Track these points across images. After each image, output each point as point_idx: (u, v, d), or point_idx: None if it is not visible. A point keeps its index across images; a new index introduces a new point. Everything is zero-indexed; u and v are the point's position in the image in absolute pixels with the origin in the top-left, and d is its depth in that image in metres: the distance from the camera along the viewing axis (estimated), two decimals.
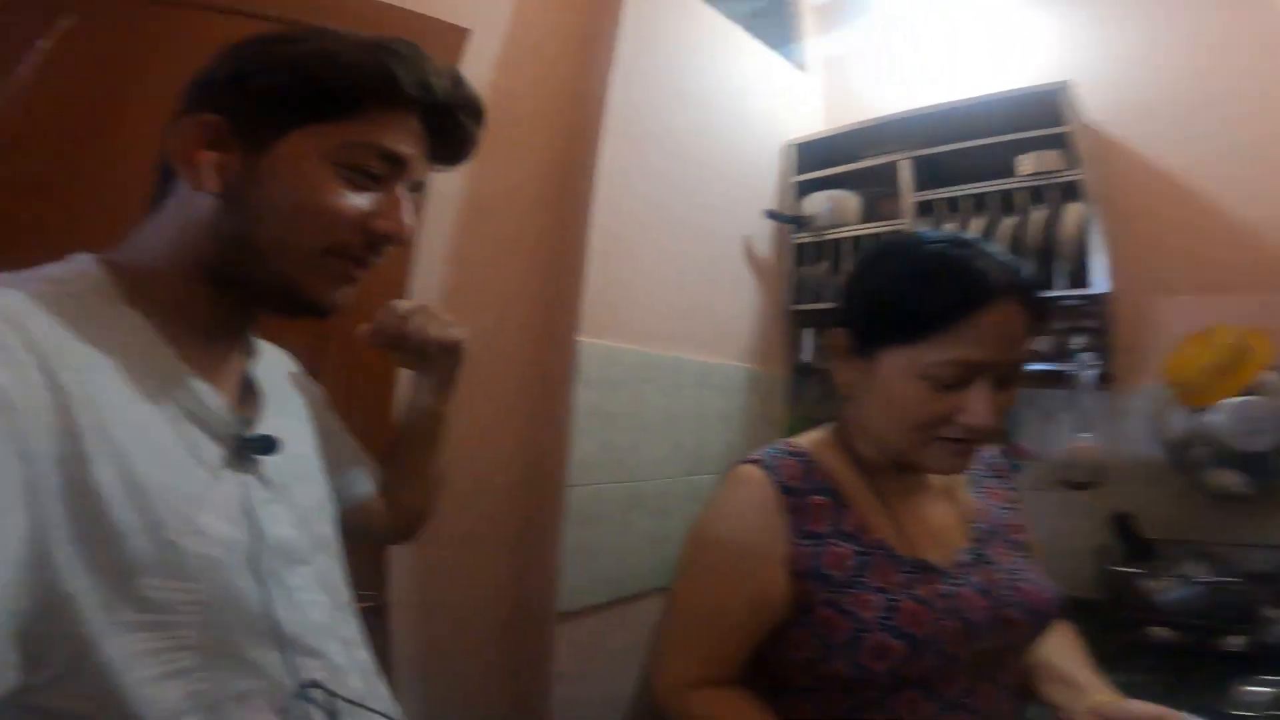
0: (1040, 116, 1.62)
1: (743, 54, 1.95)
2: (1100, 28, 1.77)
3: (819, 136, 2.05)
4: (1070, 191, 1.54)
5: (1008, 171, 1.66)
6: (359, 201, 0.52)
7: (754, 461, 0.76)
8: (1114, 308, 1.55)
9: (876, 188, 1.92)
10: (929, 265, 0.68)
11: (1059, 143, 1.59)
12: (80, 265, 0.49)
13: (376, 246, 0.54)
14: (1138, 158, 1.67)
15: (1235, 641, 1.17)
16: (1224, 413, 1.22)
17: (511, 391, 1.48)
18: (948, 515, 0.79)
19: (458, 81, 0.56)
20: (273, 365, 0.64)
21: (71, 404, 0.40)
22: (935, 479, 0.81)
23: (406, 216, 0.54)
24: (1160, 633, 1.23)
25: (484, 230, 1.45)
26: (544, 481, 1.45)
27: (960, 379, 0.66)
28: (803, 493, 0.72)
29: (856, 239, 1.89)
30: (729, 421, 1.82)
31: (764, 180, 2.02)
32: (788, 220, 1.96)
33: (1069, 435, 1.52)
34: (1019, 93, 1.67)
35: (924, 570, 0.70)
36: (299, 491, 0.56)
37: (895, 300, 0.69)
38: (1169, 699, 0.91)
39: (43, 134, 0.97)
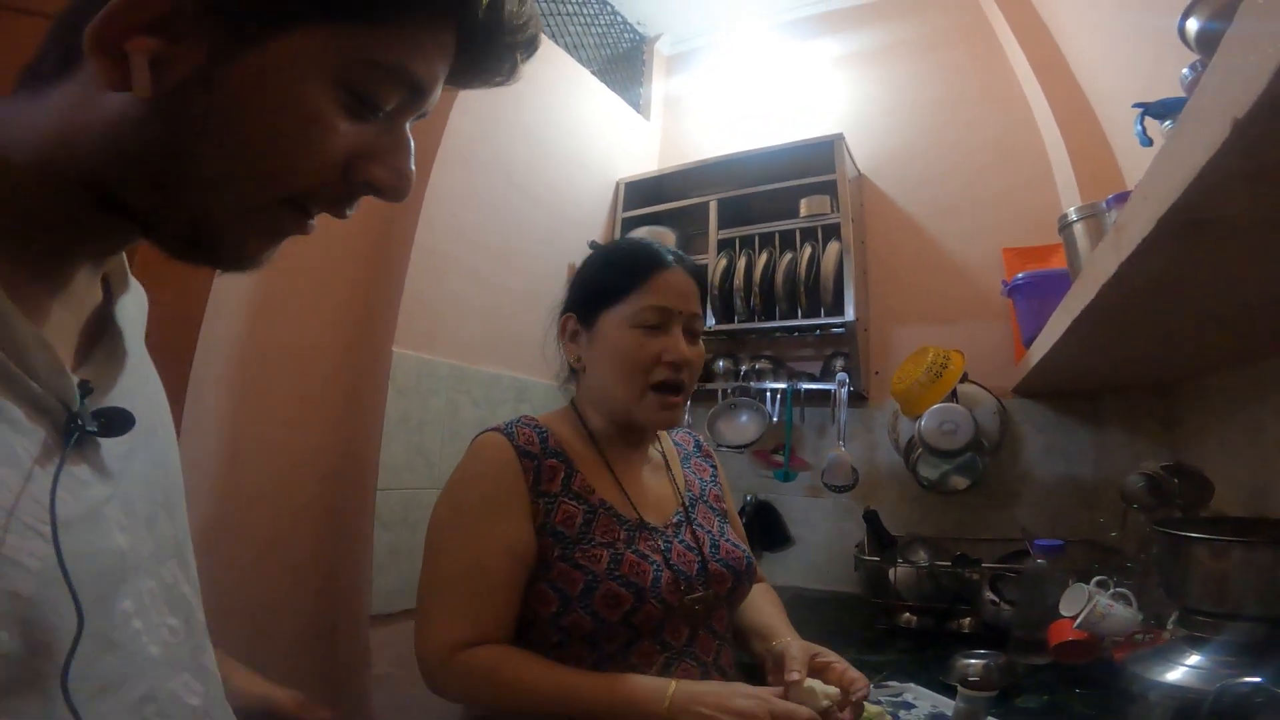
0: (818, 164, 1.89)
1: (588, 97, 2.12)
2: (873, 86, 2.12)
3: (645, 176, 2.26)
4: (832, 231, 1.81)
5: (794, 213, 1.92)
6: (351, 137, 0.38)
7: (494, 430, 0.84)
8: (863, 334, 1.84)
9: (689, 225, 2.14)
10: (623, 248, 0.95)
11: (830, 188, 1.87)
12: None
13: (351, 200, 0.41)
14: (888, 203, 2.00)
15: (963, 622, 1.38)
16: (927, 417, 1.49)
17: (323, 395, 1.49)
18: (664, 485, 0.94)
19: (526, 7, 0.43)
20: (135, 307, 0.46)
21: None
22: (654, 455, 0.95)
23: (409, 168, 0.41)
24: (906, 617, 1.43)
25: (303, 237, 1.44)
26: (353, 485, 1.46)
27: (660, 322, 0.86)
28: (537, 456, 0.84)
29: None
30: None
31: (594, 214, 2.18)
32: None
33: (832, 446, 1.77)
34: (804, 143, 1.96)
35: (642, 529, 0.83)
36: (146, 482, 0.41)
37: (604, 274, 0.90)
38: (915, 675, 1.09)
39: None
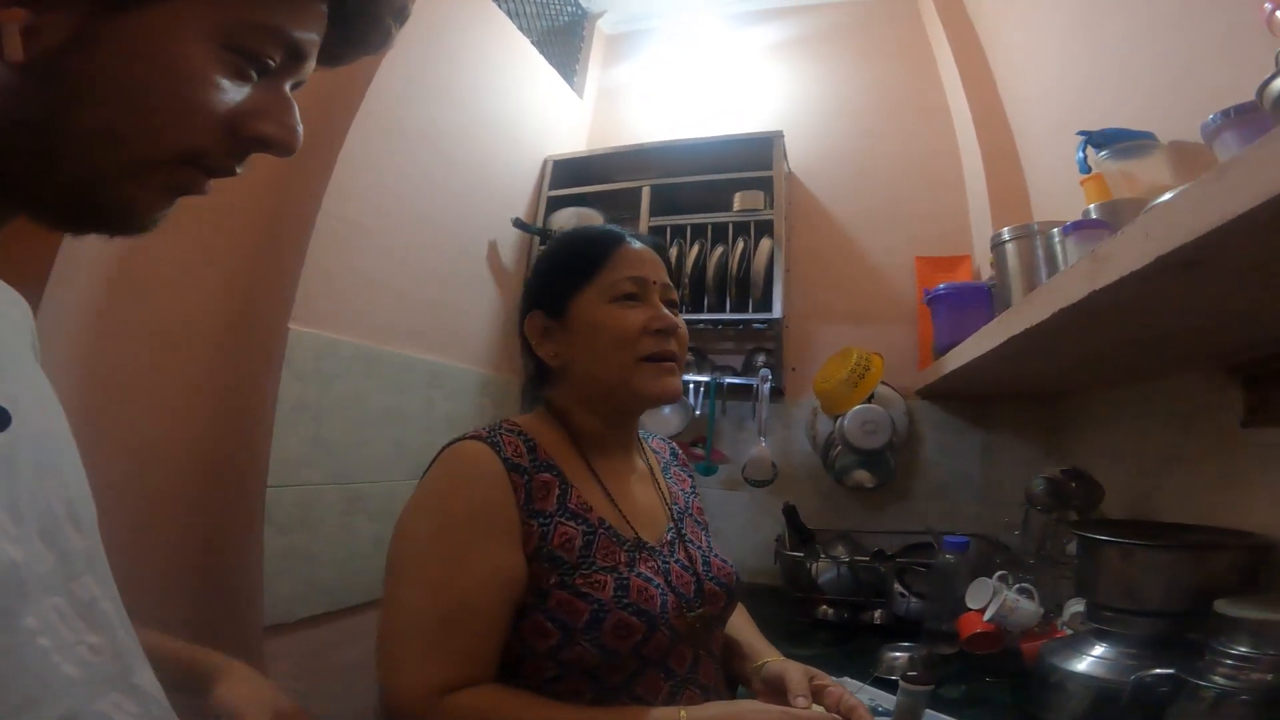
0: (755, 160, 1.90)
1: (524, 66, 1.97)
2: (811, 85, 2.16)
3: (575, 156, 2.15)
4: (765, 227, 1.83)
5: (728, 206, 1.91)
6: (237, 94, 0.39)
7: (473, 437, 0.74)
8: (785, 331, 1.88)
9: (618, 210, 2.07)
10: (578, 234, 0.89)
11: (765, 185, 1.88)
12: None
13: (243, 156, 0.41)
14: (814, 202, 2.06)
15: (875, 615, 1.44)
16: (850, 417, 1.55)
17: (200, 379, 1.27)
18: (653, 497, 0.86)
19: None
20: (12, 308, 0.46)
21: None
22: (639, 464, 0.89)
23: (295, 122, 0.42)
24: (823, 610, 1.47)
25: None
26: (237, 483, 1.27)
27: (637, 291, 0.80)
28: (528, 470, 0.73)
29: None
30: (459, 425, 1.76)
31: (519, 191, 2.05)
32: (533, 231, 2.00)
33: (753, 441, 1.80)
34: (742, 137, 1.95)
35: (640, 548, 0.76)
36: (38, 488, 0.38)
37: (565, 260, 0.83)
38: (839, 669, 1.12)
39: None
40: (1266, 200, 0.44)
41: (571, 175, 2.12)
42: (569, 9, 2.33)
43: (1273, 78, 0.51)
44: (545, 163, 2.12)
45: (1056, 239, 1.05)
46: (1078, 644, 0.95)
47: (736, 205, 1.87)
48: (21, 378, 0.41)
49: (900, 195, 1.98)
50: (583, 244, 0.84)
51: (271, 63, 0.40)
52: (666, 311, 0.80)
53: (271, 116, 0.41)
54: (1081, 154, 1.11)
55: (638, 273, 0.80)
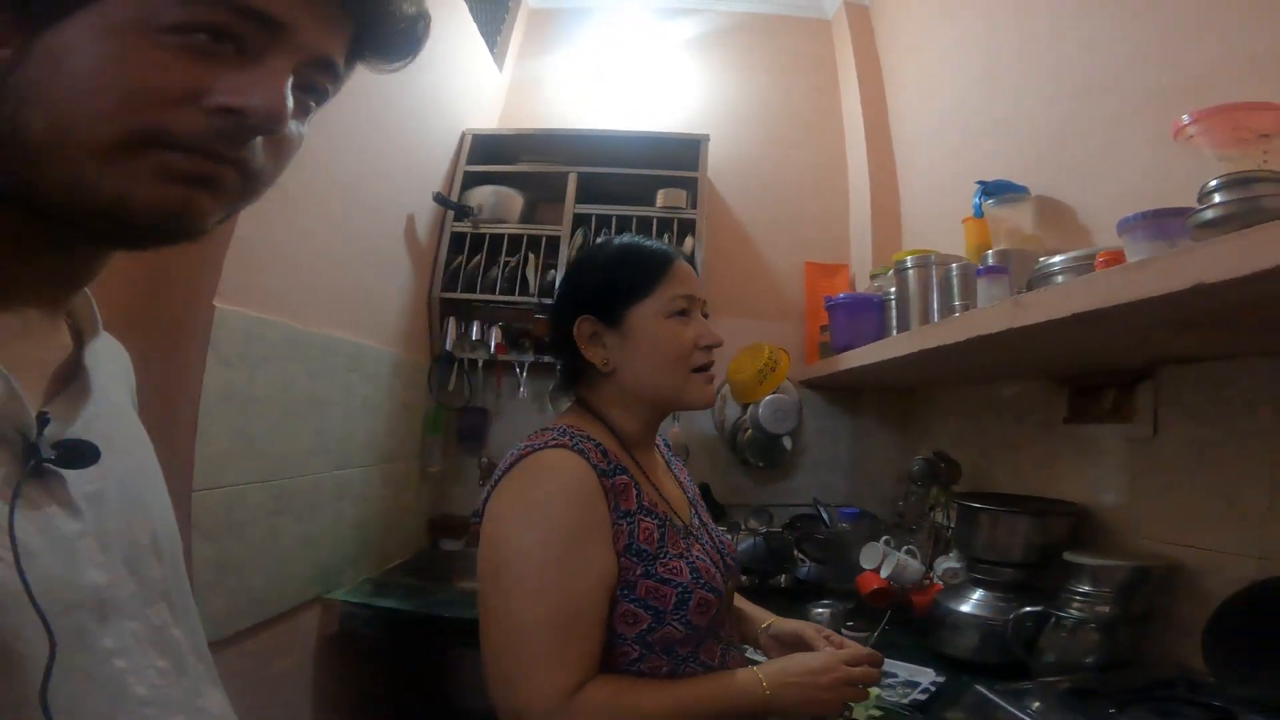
0: (681, 159, 2.00)
1: (454, 30, 1.84)
2: (728, 89, 2.29)
3: (496, 132, 2.08)
4: (688, 226, 1.96)
5: (649, 201, 2.00)
6: (192, 72, 0.36)
7: (559, 445, 0.77)
8: None
9: (537, 193, 2.06)
10: (631, 245, 0.92)
11: (687, 184, 1.99)
12: None
13: (228, 136, 0.37)
14: (725, 206, 2.22)
15: (783, 579, 1.65)
16: (763, 406, 1.76)
17: None
18: (676, 488, 0.95)
19: None
20: (112, 360, 0.47)
21: None
22: (659, 457, 0.98)
23: (275, 88, 0.37)
24: (742, 579, 1.64)
25: None
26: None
27: (687, 308, 0.88)
28: (609, 474, 0.78)
29: (515, 237, 1.98)
30: (374, 410, 1.68)
31: (436, 163, 1.95)
32: (454, 207, 1.92)
33: (667, 424, 1.94)
34: (671, 136, 2.03)
35: (689, 533, 0.85)
36: (126, 521, 0.41)
37: (623, 273, 0.87)
38: None
39: None
40: (1168, 293, 0.66)
41: (490, 151, 2.06)
42: None
43: (1204, 208, 0.67)
44: (464, 135, 2.03)
45: (955, 273, 1.31)
46: (962, 592, 1.23)
47: (660, 202, 1.97)
48: (116, 420, 0.45)
49: (795, 203, 2.22)
50: (643, 259, 0.88)
51: (234, 31, 0.37)
52: (708, 328, 0.89)
53: (239, 86, 0.37)
54: (977, 200, 1.38)
55: (689, 290, 0.87)
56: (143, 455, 0.48)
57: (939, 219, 1.75)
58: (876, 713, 0.98)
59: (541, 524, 0.73)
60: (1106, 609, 0.98)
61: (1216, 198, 0.71)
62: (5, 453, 0.34)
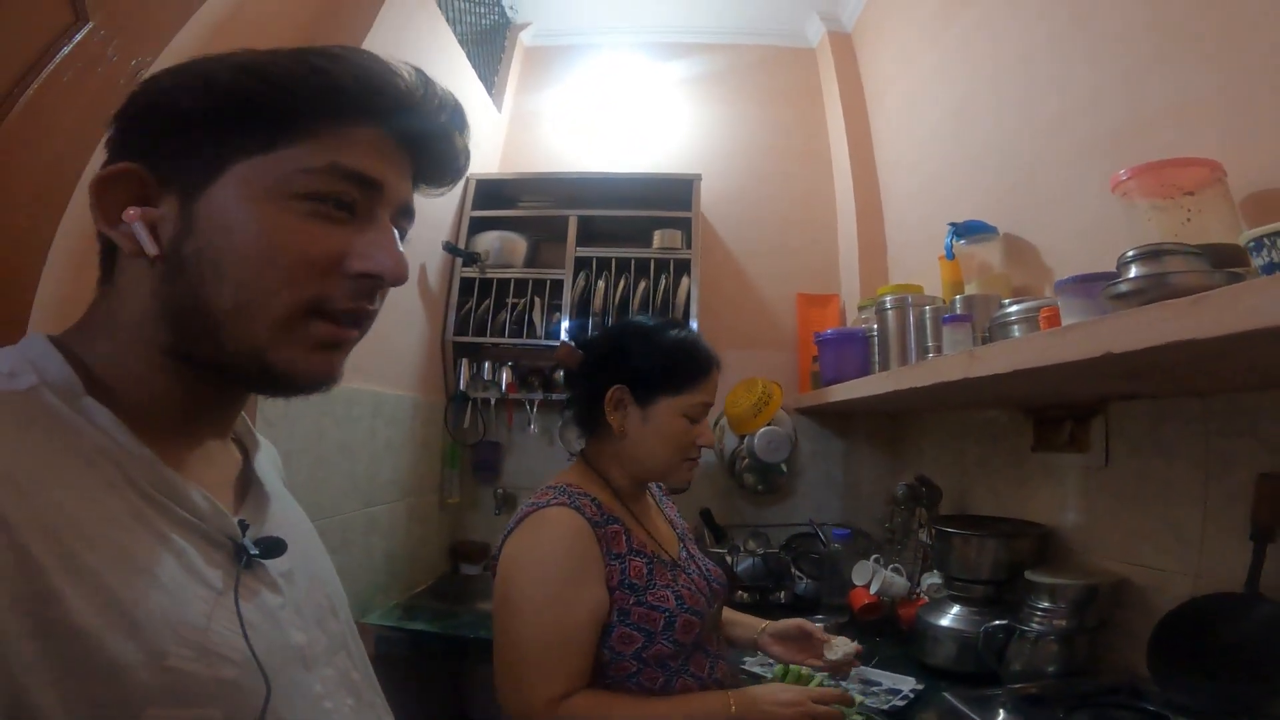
0: (675, 199, 2.11)
1: (455, 76, 1.98)
2: (717, 125, 2.40)
3: (499, 177, 2.21)
4: (684, 266, 2.08)
5: (646, 240, 2.12)
6: (333, 240, 0.43)
7: (559, 504, 0.91)
8: None
9: (538, 235, 2.19)
10: (689, 342, 1.05)
11: (682, 224, 2.11)
12: (34, 351, 0.40)
13: (367, 294, 0.45)
14: (719, 240, 2.34)
15: (782, 595, 1.78)
16: (759, 438, 1.89)
17: None
18: (665, 525, 1.11)
19: (423, 83, 0.48)
20: (269, 459, 0.57)
21: (21, 536, 0.34)
22: (651, 500, 1.11)
23: (395, 249, 0.46)
24: (740, 595, 1.77)
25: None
26: None
27: (701, 415, 1.03)
28: (601, 524, 0.93)
29: (521, 281, 2.11)
30: (397, 451, 1.81)
31: (444, 209, 2.07)
32: (462, 254, 2.06)
33: None
34: (665, 176, 2.15)
35: (675, 565, 0.99)
36: (309, 590, 0.51)
37: (672, 365, 1.01)
38: None
39: None
40: (1081, 359, 0.78)
41: (493, 195, 2.18)
42: (494, 14, 2.34)
43: (1119, 280, 0.74)
44: (468, 181, 2.16)
45: (928, 314, 1.43)
46: (941, 607, 1.34)
47: (656, 243, 2.10)
48: (289, 511, 0.55)
49: (786, 235, 2.33)
50: (694, 363, 1.02)
51: (349, 198, 0.44)
52: (711, 432, 1.06)
53: (370, 252, 0.44)
54: (949, 241, 1.50)
55: (710, 400, 1.04)
56: (309, 534, 0.58)
57: (922, 249, 1.85)
58: (858, 718, 1.10)
59: (540, 568, 0.89)
60: (1063, 622, 1.09)
61: (1132, 270, 0.82)
62: (221, 554, 0.43)
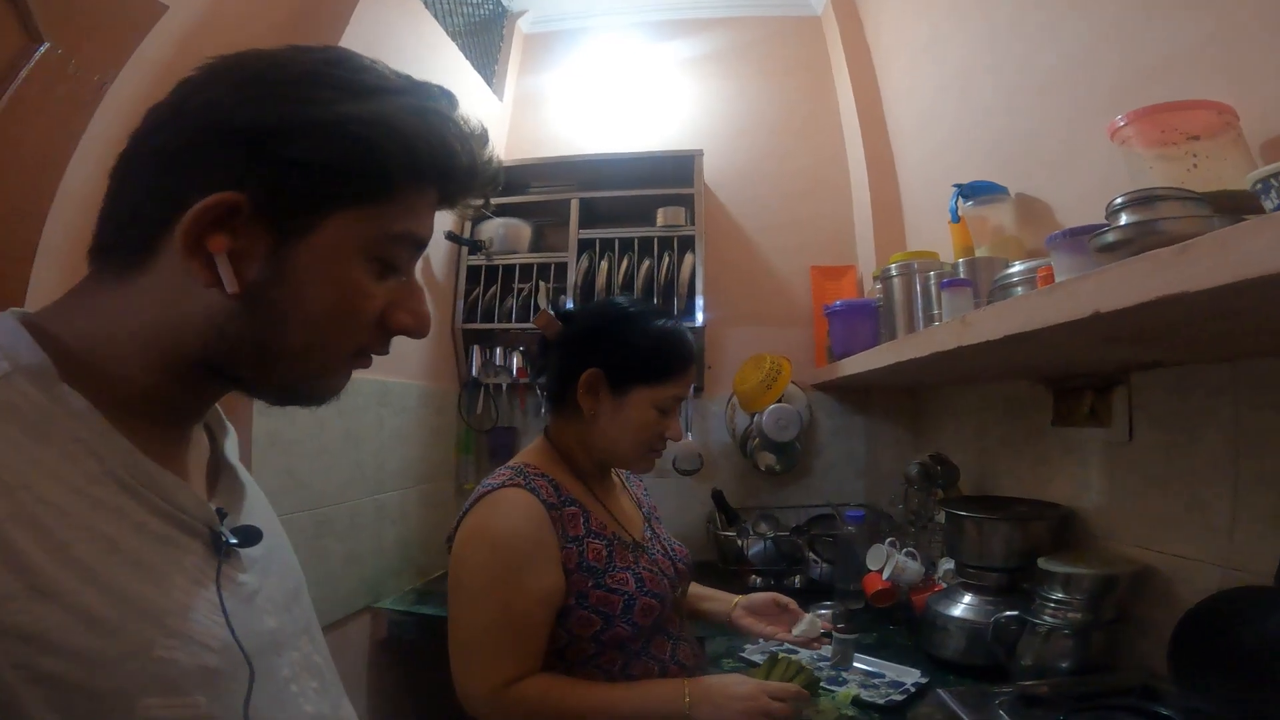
0: (676, 176, 2.05)
1: (449, 71, 1.97)
2: (720, 100, 2.32)
3: (505, 164, 2.19)
4: (688, 243, 2.02)
5: (650, 219, 2.07)
6: (380, 296, 0.46)
7: (513, 485, 0.89)
8: (705, 335, 2.11)
9: (543, 219, 2.17)
10: (672, 333, 1.01)
11: (686, 201, 2.05)
12: (3, 335, 0.39)
13: (390, 339, 0.49)
14: (728, 216, 2.26)
15: (796, 579, 1.72)
16: (767, 416, 1.81)
17: None
18: (630, 505, 1.09)
19: (489, 151, 0.51)
20: (232, 445, 0.57)
21: (7, 531, 0.34)
22: (616, 479, 1.09)
23: (426, 308, 0.50)
24: (753, 579, 1.73)
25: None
26: None
27: (673, 408, 0.99)
28: (558, 506, 0.91)
29: (526, 266, 2.10)
30: (405, 439, 1.83)
31: None
32: (466, 243, 2.06)
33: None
34: (664, 155, 2.09)
35: (637, 547, 0.97)
36: (278, 576, 0.52)
37: (651, 356, 0.97)
38: None
39: None
40: (1069, 320, 0.69)
41: None
42: (489, 5, 2.31)
43: (1105, 230, 0.66)
44: None
45: (933, 280, 1.33)
46: (952, 595, 1.26)
47: (660, 220, 2.04)
48: (255, 501, 0.55)
49: (797, 207, 2.24)
50: (674, 355, 0.98)
51: (403, 261, 0.48)
52: (679, 425, 1.01)
53: (408, 308, 0.48)
54: (954, 204, 1.39)
55: (682, 394, 1.00)
56: (274, 521, 0.58)
57: (937, 215, 1.74)
58: (850, 710, 1.04)
59: (489, 551, 0.87)
60: (1078, 615, 1.00)
61: (1121, 218, 0.72)
62: (199, 543, 0.44)
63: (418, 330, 0.49)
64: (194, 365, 0.44)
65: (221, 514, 0.46)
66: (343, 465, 1.56)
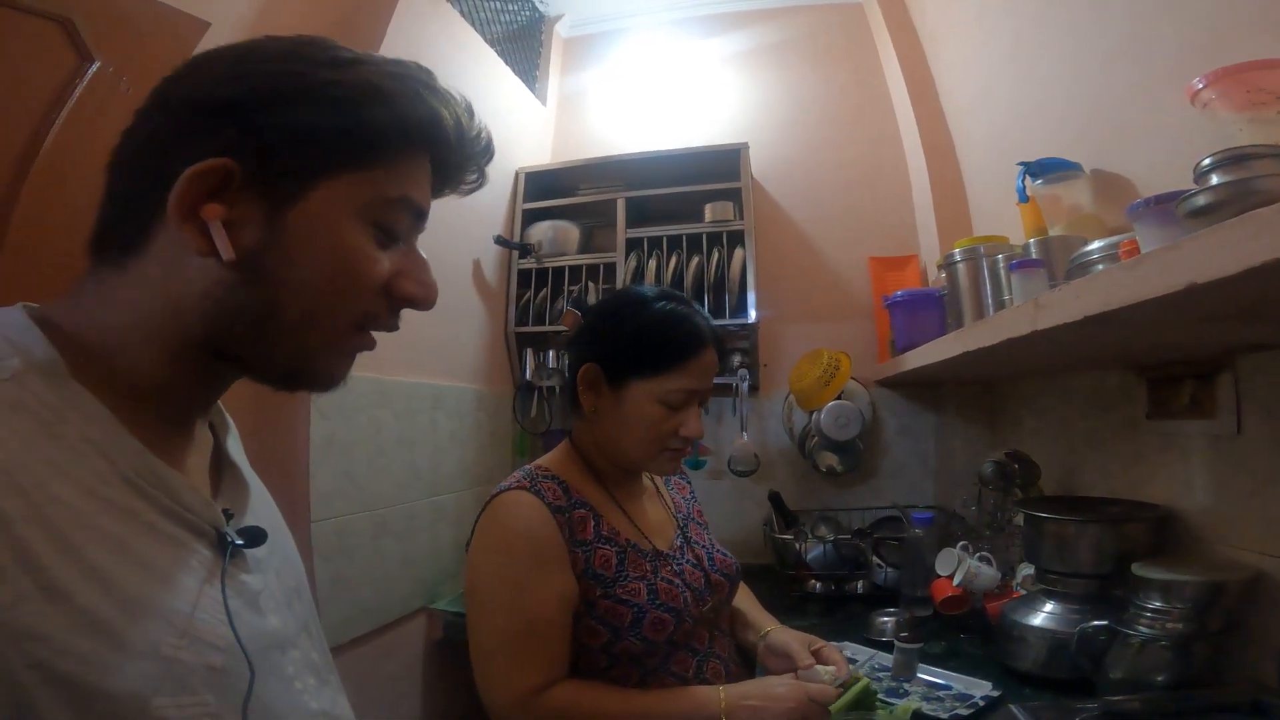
0: (723, 171, 2.01)
1: (492, 79, 2.00)
2: (766, 91, 2.27)
3: (547, 168, 2.21)
4: (737, 238, 1.97)
5: (698, 216, 2.03)
6: (384, 262, 0.46)
7: (519, 488, 0.87)
8: (759, 333, 2.04)
9: (591, 220, 2.17)
10: (668, 319, 0.93)
11: (734, 195, 2.00)
12: (13, 329, 0.39)
13: (399, 312, 0.48)
14: (776, 207, 2.20)
15: (859, 585, 1.63)
16: (825, 413, 1.74)
17: (243, 426, 1.32)
18: (661, 511, 1.03)
19: (476, 122, 0.51)
20: (235, 441, 0.56)
21: (20, 531, 0.34)
22: (647, 483, 1.04)
23: (431, 277, 0.49)
24: (812, 584, 1.65)
25: None
26: (289, 520, 1.34)
27: (684, 403, 0.91)
28: (566, 509, 0.88)
29: (575, 268, 2.10)
30: (461, 441, 1.86)
31: (496, 205, 2.10)
32: (514, 246, 2.08)
33: (734, 434, 1.97)
34: (710, 149, 2.05)
35: (659, 557, 0.92)
36: (281, 573, 0.52)
37: (646, 343, 0.91)
38: (838, 635, 1.30)
39: None
40: (1159, 296, 0.61)
41: (543, 187, 2.18)
42: (526, 12, 2.34)
43: (1195, 193, 0.61)
44: (517, 175, 2.17)
45: (1001, 263, 1.24)
46: (1031, 603, 1.16)
47: (708, 216, 2.00)
48: (259, 499, 0.54)
49: (852, 199, 2.15)
50: (674, 340, 0.90)
51: (403, 228, 0.47)
52: (698, 421, 0.92)
53: (413, 277, 0.47)
54: (1020, 183, 1.29)
55: (695, 386, 0.91)
56: (277, 517, 0.58)
57: (1005, 196, 1.63)
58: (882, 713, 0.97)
59: (499, 554, 0.85)
60: (1179, 625, 0.89)
61: (1212, 179, 0.64)
62: (204, 542, 0.44)
63: (424, 299, 0.48)
64: (198, 348, 0.43)
65: (228, 514, 0.46)
66: (398, 467, 1.59)
